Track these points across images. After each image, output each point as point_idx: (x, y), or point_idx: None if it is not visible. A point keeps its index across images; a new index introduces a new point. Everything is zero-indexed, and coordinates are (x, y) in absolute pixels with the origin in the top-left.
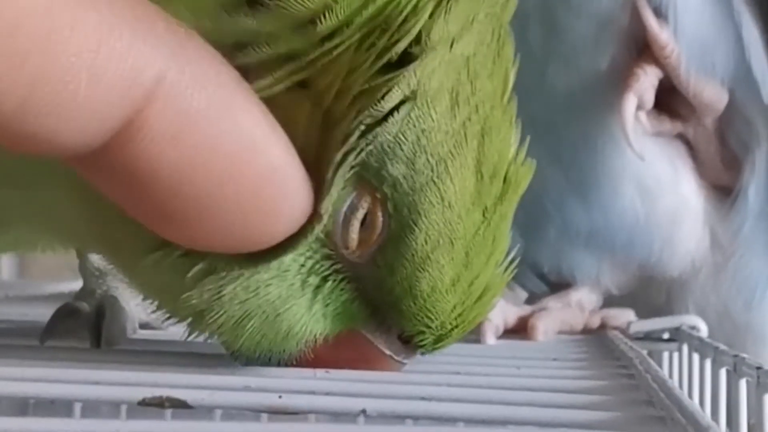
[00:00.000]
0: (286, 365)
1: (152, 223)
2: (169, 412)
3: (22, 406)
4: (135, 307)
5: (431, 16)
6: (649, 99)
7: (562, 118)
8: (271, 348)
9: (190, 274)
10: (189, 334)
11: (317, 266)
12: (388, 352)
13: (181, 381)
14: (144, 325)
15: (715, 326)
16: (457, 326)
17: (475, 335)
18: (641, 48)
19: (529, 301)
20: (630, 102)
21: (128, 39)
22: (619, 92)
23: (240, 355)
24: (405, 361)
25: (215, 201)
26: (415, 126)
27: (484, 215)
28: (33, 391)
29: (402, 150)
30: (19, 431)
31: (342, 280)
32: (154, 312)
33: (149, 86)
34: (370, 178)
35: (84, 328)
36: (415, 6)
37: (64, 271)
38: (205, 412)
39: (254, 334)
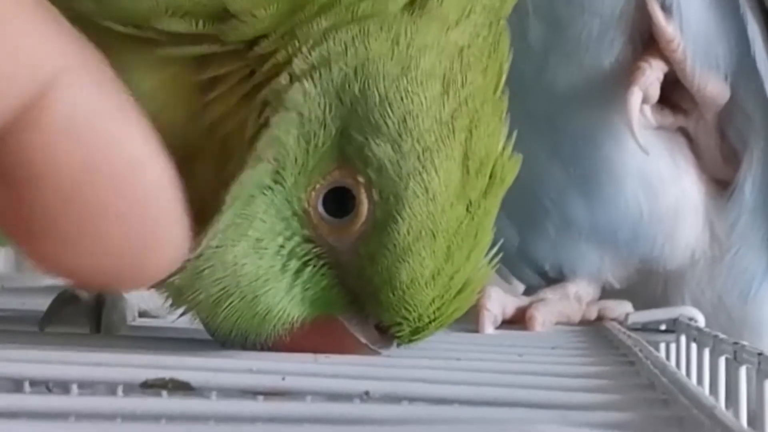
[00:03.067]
0: (262, 347)
1: (28, 239)
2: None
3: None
4: (134, 296)
5: None
6: (654, 93)
7: (562, 113)
8: (248, 329)
9: None
10: (170, 309)
11: (297, 249)
12: (364, 340)
13: (183, 363)
14: (143, 314)
15: (711, 318)
16: (435, 319)
17: (473, 325)
18: (645, 43)
19: (527, 292)
20: (636, 96)
21: (32, 26)
22: (622, 87)
23: (218, 335)
24: (381, 350)
25: (100, 215)
26: (403, 101)
27: (467, 210)
28: (34, 373)
29: (387, 126)
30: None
31: (323, 265)
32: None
33: (51, 74)
34: (353, 157)
35: (83, 314)
36: None
37: None
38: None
39: (232, 313)
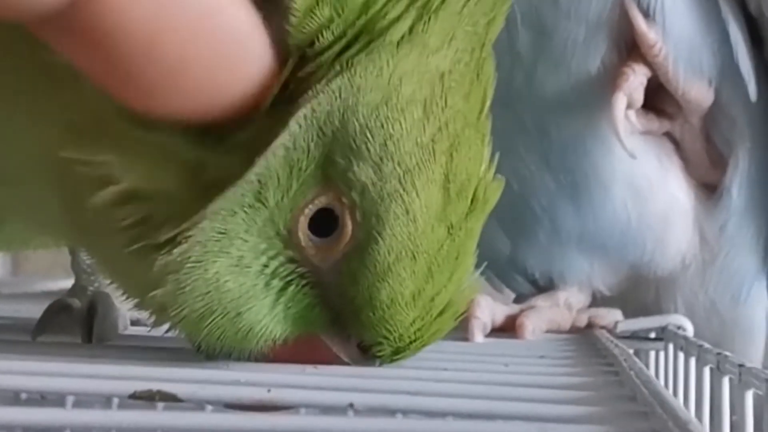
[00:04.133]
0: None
1: (120, 88)
2: (160, 405)
3: (13, 401)
4: (126, 305)
5: (412, 25)
6: (639, 98)
7: (551, 120)
8: (231, 345)
9: (155, 268)
10: (154, 326)
11: (281, 269)
12: (346, 359)
13: (172, 375)
14: (135, 322)
15: (704, 322)
16: (415, 340)
17: (463, 333)
18: (629, 48)
19: (518, 300)
20: (620, 101)
21: None
22: (609, 93)
23: (203, 349)
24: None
25: (182, 58)
26: (383, 127)
27: (449, 232)
28: (25, 385)
29: (368, 150)
30: (11, 422)
31: (305, 284)
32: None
33: None
34: (337, 180)
35: (76, 324)
36: (399, 15)
37: (56, 269)
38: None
39: (215, 329)
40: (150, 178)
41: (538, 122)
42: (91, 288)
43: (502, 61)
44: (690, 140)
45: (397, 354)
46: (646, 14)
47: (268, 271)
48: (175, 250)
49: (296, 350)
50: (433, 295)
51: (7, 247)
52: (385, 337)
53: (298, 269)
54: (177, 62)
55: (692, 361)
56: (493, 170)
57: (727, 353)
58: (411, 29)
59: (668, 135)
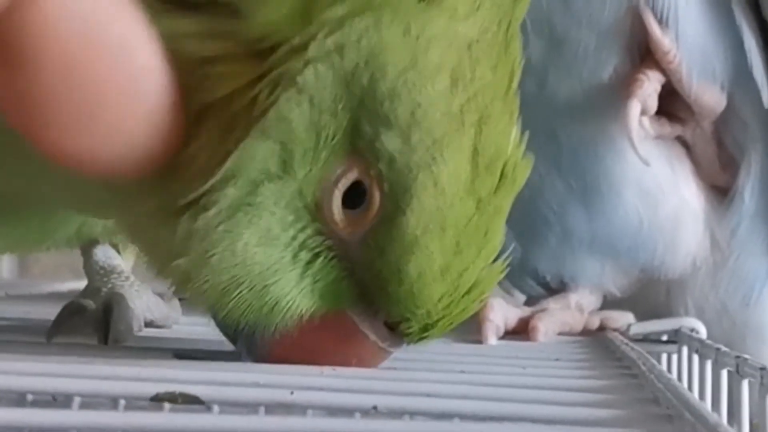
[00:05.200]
0: (271, 340)
1: (30, 123)
2: (167, 407)
3: (23, 403)
4: (140, 306)
5: None
6: (653, 104)
7: (562, 126)
8: (256, 319)
9: (178, 233)
10: (175, 293)
11: (309, 241)
12: (372, 337)
13: (192, 377)
14: (149, 324)
15: (714, 324)
16: (443, 317)
17: (476, 336)
18: (642, 55)
19: (529, 303)
20: (634, 108)
21: None
22: (621, 99)
23: (224, 325)
24: (390, 348)
25: (97, 93)
26: (410, 93)
27: (477, 206)
28: (40, 386)
29: (396, 118)
30: (22, 423)
31: (333, 257)
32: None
33: None
34: (364, 150)
35: (90, 325)
36: None
37: (63, 271)
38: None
39: (240, 303)
40: None
41: (549, 128)
42: (104, 289)
43: None
44: (701, 144)
45: (424, 331)
46: (660, 20)
47: (296, 243)
48: (199, 217)
49: (322, 330)
50: (461, 270)
51: (19, 247)
52: (413, 312)
53: (326, 242)
54: (91, 94)
55: (708, 364)
56: (522, 148)
57: (747, 356)
58: None
59: (679, 139)
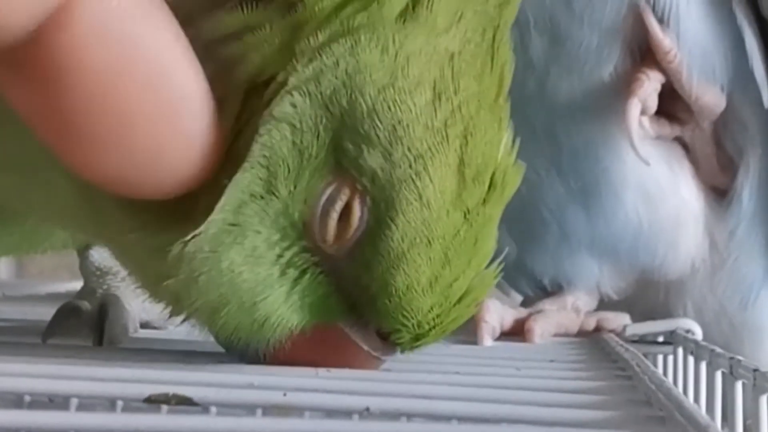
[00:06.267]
0: (264, 355)
1: (60, 142)
2: (164, 408)
3: (18, 404)
4: (136, 307)
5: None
6: (653, 105)
7: (562, 126)
8: (247, 336)
9: (169, 257)
10: (169, 317)
11: (295, 259)
12: (365, 347)
13: (186, 378)
14: (144, 325)
15: (713, 326)
16: (435, 326)
17: (472, 337)
18: (643, 54)
19: (525, 303)
20: (634, 108)
21: None
22: (622, 99)
23: (220, 340)
24: (383, 357)
25: (131, 113)
26: (391, 110)
27: (465, 217)
28: (36, 388)
29: (377, 136)
30: (18, 424)
31: (320, 273)
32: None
33: None
34: (348, 167)
35: (86, 326)
36: None
37: (61, 272)
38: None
39: (230, 320)
40: None
41: (549, 128)
42: (100, 290)
43: (514, 66)
44: (700, 145)
45: (417, 341)
46: (661, 20)
47: (282, 261)
48: (189, 243)
49: (314, 341)
50: (451, 281)
51: (15, 251)
52: (404, 324)
53: (313, 258)
54: (125, 117)
55: (703, 365)
56: (513, 155)
57: (740, 357)
58: (414, 6)
59: (678, 139)
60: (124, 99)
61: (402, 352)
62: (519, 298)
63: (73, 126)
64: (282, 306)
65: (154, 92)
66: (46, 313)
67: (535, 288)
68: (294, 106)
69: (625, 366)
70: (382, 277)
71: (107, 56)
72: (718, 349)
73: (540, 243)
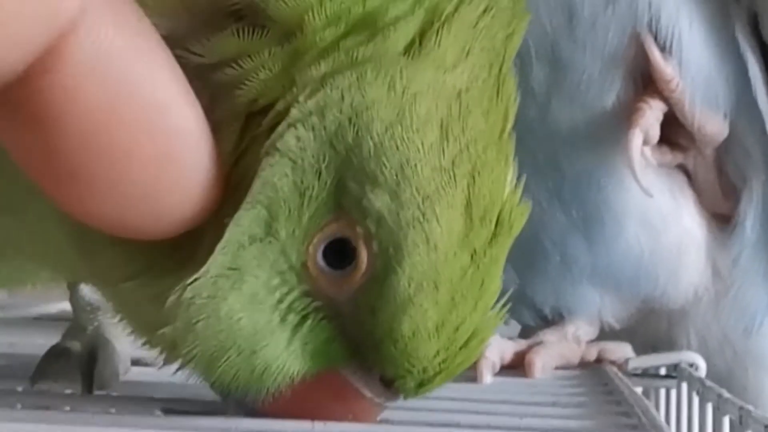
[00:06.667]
0: (263, 402)
1: (54, 183)
2: None
3: None
4: (126, 345)
5: (422, 33)
6: (655, 134)
7: (564, 154)
8: (247, 384)
9: (166, 305)
10: (165, 364)
11: (296, 303)
12: (368, 394)
13: (174, 425)
14: (136, 362)
15: (716, 354)
16: (440, 372)
17: (471, 371)
18: (645, 82)
19: (524, 333)
20: (636, 138)
21: None
22: (624, 127)
23: (217, 388)
24: (386, 404)
25: (125, 158)
26: (398, 149)
27: (472, 258)
28: None
29: (384, 176)
30: None
31: (322, 318)
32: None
33: (73, 13)
34: (350, 208)
35: (76, 369)
36: (403, 14)
37: (55, 290)
38: None
39: (229, 368)
40: None
41: (551, 156)
42: (90, 327)
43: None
44: (703, 172)
45: (421, 387)
46: (663, 48)
47: (282, 306)
48: (187, 288)
49: (315, 388)
50: (457, 325)
51: (3, 285)
52: (409, 371)
53: (314, 303)
54: (119, 158)
55: (709, 408)
56: (518, 193)
57: (750, 407)
58: (421, 40)
59: (681, 166)
60: (117, 140)
61: (405, 398)
62: (518, 326)
63: (66, 168)
64: (283, 354)
65: (149, 132)
66: (35, 344)
67: (536, 317)
68: (298, 139)
69: (629, 411)
70: (387, 323)
71: (99, 97)
72: (726, 393)
73: (541, 272)
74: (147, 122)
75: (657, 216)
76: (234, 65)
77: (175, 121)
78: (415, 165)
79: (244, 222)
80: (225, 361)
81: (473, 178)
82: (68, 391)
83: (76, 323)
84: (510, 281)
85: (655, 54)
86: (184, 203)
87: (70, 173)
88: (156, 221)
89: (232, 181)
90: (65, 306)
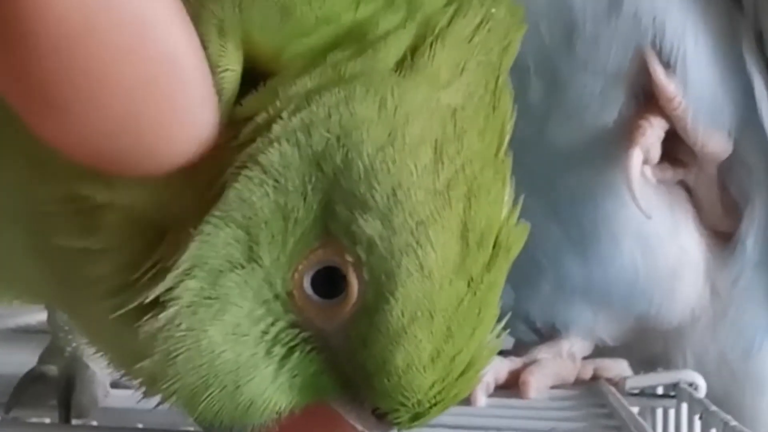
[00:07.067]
0: None
1: (27, 109)
2: None
3: None
4: (106, 367)
5: (415, 48)
6: (656, 154)
7: (561, 172)
8: (231, 419)
9: (141, 335)
10: (144, 397)
11: (282, 335)
12: (360, 427)
13: None
14: (115, 384)
15: (714, 375)
16: (436, 404)
17: None
18: (647, 99)
19: (518, 348)
20: (636, 157)
21: None
22: (623, 144)
23: (200, 423)
24: None
25: (102, 83)
26: (389, 171)
27: (469, 285)
28: None
29: (375, 200)
30: None
31: (311, 350)
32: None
33: None
34: (339, 235)
35: (52, 394)
36: (394, 28)
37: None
38: None
39: (212, 404)
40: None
41: (548, 173)
42: (68, 349)
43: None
44: (704, 188)
45: (416, 419)
46: (667, 65)
47: (268, 338)
48: (160, 315)
49: (304, 422)
50: (453, 355)
51: None
52: (403, 404)
53: (302, 334)
54: (98, 83)
55: None
56: (516, 213)
57: None
58: (413, 56)
59: (681, 182)
60: (93, 63)
61: (399, 431)
62: (510, 340)
63: (38, 92)
64: (269, 388)
65: (131, 55)
66: (13, 363)
67: (530, 332)
68: (282, 156)
69: None
70: (380, 355)
71: (72, 11)
72: (732, 421)
73: (536, 288)
74: (128, 43)
75: (654, 235)
76: (214, 73)
77: (161, 43)
78: (408, 188)
79: (218, 241)
80: (207, 396)
81: (469, 200)
82: (45, 421)
83: (54, 345)
84: (506, 297)
85: (658, 71)
86: (173, 139)
87: (43, 98)
88: (140, 157)
89: (198, 187)
90: (44, 317)
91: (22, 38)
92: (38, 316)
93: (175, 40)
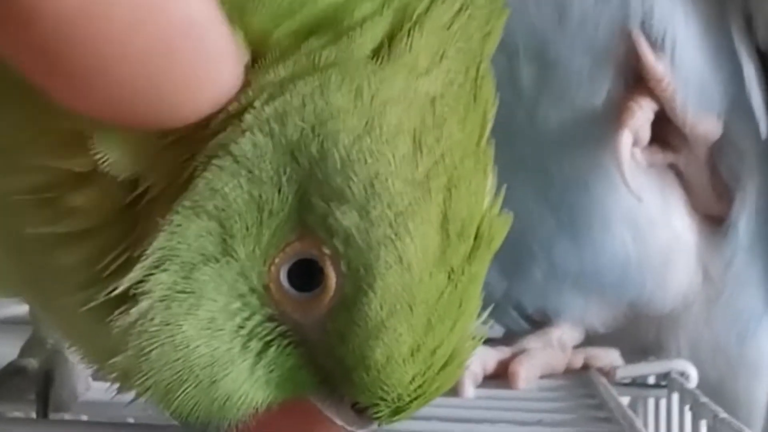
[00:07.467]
0: None
1: (44, 74)
2: None
3: None
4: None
5: (392, 36)
6: (645, 135)
7: (552, 156)
8: (208, 415)
9: (113, 330)
10: (118, 392)
11: (258, 329)
12: (339, 422)
13: None
14: (97, 376)
15: (708, 360)
16: (417, 398)
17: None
18: (636, 80)
19: (508, 337)
20: (626, 139)
21: None
22: (613, 127)
23: (176, 418)
24: (359, 431)
25: (112, 53)
26: (367, 162)
27: (449, 277)
28: None
29: (352, 191)
30: None
31: (288, 344)
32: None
33: None
34: (315, 227)
35: (32, 388)
36: (371, 14)
37: None
38: None
39: (187, 400)
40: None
41: (539, 158)
42: (50, 341)
43: (503, 96)
44: (695, 172)
45: (396, 414)
46: (655, 46)
47: (244, 332)
48: (132, 310)
49: (282, 417)
50: (434, 348)
51: None
52: (383, 399)
53: (279, 328)
54: (107, 52)
55: (703, 425)
56: (498, 204)
57: (747, 430)
58: (390, 43)
59: (672, 166)
60: (102, 30)
61: (380, 426)
62: (500, 330)
63: (56, 55)
64: (245, 383)
65: (142, 22)
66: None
67: (521, 320)
68: (255, 146)
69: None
70: (358, 349)
71: None
72: (722, 414)
73: (527, 276)
74: (139, 9)
75: (645, 220)
76: None
77: (174, 9)
78: (386, 179)
79: (189, 233)
80: (182, 392)
81: (449, 191)
82: (20, 415)
83: (36, 335)
84: (498, 284)
85: (646, 52)
86: (196, 97)
87: (60, 64)
88: (164, 113)
89: (168, 168)
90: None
91: (22, 6)
92: (23, 307)
93: (189, 3)
